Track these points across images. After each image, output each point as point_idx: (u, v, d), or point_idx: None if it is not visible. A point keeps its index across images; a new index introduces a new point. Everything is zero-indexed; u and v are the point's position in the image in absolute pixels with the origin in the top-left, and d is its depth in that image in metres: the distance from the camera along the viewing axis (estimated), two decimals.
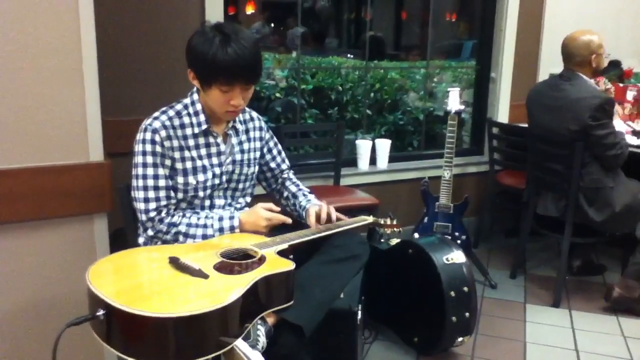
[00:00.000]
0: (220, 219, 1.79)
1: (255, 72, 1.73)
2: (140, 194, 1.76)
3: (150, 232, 1.77)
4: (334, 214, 1.95)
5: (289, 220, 1.82)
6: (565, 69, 2.99)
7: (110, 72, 2.40)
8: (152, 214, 1.76)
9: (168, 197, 1.78)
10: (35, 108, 1.78)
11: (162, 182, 1.76)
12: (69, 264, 1.93)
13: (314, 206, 1.96)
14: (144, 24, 2.66)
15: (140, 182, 1.76)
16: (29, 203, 1.81)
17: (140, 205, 1.76)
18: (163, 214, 1.77)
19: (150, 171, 1.75)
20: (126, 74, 2.65)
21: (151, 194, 1.75)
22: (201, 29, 1.71)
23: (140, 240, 1.84)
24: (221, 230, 1.77)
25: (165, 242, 1.78)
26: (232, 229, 1.78)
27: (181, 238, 1.77)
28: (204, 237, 1.76)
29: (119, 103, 2.54)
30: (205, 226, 1.77)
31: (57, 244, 1.90)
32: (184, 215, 1.80)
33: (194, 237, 1.76)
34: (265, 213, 1.78)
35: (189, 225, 1.77)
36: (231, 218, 1.79)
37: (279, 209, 1.82)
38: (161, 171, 1.76)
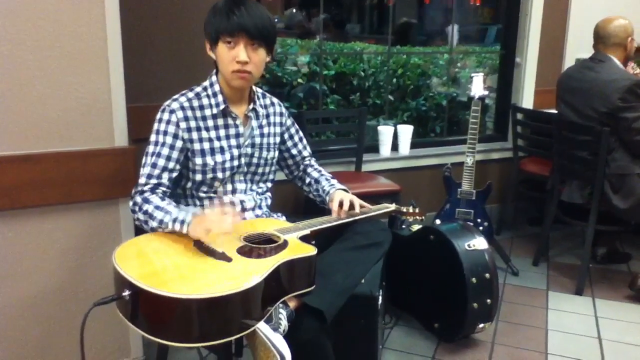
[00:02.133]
0: (181, 209, 1.73)
1: (262, 29, 1.71)
2: (140, 169, 1.77)
3: (130, 203, 1.75)
4: (358, 204, 1.94)
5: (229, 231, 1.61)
6: (597, 52, 2.97)
7: (135, 59, 2.43)
8: (139, 188, 1.75)
9: (159, 177, 1.75)
10: (61, 94, 1.82)
11: (160, 162, 1.76)
12: (95, 246, 1.97)
13: (337, 192, 1.96)
14: (168, 11, 2.68)
15: (143, 159, 1.78)
16: (56, 187, 1.85)
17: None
18: (145, 188, 1.74)
19: (151, 148, 1.77)
20: (150, 61, 2.68)
21: (146, 170, 1.75)
22: (214, 5, 1.76)
23: None
24: (175, 220, 1.64)
25: (138, 220, 1.73)
26: (182, 222, 1.63)
27: (149, 220, 1.68)
28: (161, 222, 1.66)
29: (143, 89, 2.56)
30: (167, 212, 1.67)
31: (84, 227, 1.95)
32: (162, 199, 1.74)
33: (154, 219, 1.67)
34: (210, 224, 1.56)
35: (156, 207, 1.70)
36: (182, 222, 1.63)
37: (234, 219, 1.61)
38: (165, 151, 1.76)
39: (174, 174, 1.79)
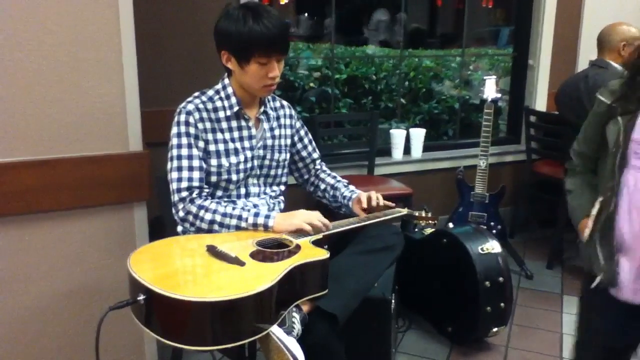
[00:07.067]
0: (256, 214, 1.76)
1: (287, 43, 1.77)
2: (174, 175, 1.77)
3: (181, 213, 1.76)
4: (381, 200, 1.99)
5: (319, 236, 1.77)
6: (598, 57, 3.00)
7: (149, 64, 2.45)
8: (184, 194, 1.75)
9: (201, 179, 1.78)
10: (77, 100, 1.84)
11: (195, 163, 1.77)
12: (110, 250, 1.99)
13: (362, 194, 1.99)
14: (181, 16, 2.70)
15: (175, 163, 1.77)
16: (71, 192, 1.87)
17: (173, 185, 1.77)
18: (194, 195, 1.76)
19: (184, 151, 1.77)
20: (164, 66, 2.70)
21: (184, 174, 1.76)
22: (226, 12, 1.75)
23: (179, 228, 1.88)
24: (255, 225, 1.74)
25: (199, 229, 1.77)
26: (265, 227, 1.74)
27: (216, 227, 1.76)
28: (237, 228, 1.75)
29: (157, 94, 2.59)
30: (240, 217, 1.75)
31: (99, 231, 1.96)
32: (219, 204, 1.79)
33: (228, 227, 1.75)
34: (305, 226, 1.74)
35: (224, 215, 1.75)
36: (267, 217, 1.75)
37: (320, 224, 1.77)
38: (195, 152, 1.77)
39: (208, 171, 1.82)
